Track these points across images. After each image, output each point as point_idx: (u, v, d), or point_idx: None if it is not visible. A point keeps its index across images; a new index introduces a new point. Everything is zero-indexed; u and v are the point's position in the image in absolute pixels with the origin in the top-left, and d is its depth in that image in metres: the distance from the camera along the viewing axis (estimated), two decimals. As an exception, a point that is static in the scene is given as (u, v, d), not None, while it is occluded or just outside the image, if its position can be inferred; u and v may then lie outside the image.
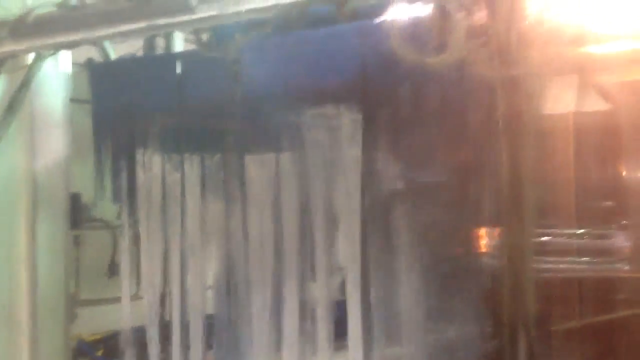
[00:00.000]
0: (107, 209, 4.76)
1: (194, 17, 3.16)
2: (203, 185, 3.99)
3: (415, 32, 3.17)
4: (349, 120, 3.53)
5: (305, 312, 3.66)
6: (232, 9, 3.13)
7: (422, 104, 3.41)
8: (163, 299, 4.13)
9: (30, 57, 3.98)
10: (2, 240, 4.03)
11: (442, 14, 3.08)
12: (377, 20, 3.29)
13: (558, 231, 3.39)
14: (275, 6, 3.16)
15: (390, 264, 3.42)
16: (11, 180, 4.07)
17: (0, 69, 3.77)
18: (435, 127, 3.37)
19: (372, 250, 3.48)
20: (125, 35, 3.29)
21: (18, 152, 4.09)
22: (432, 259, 3.35)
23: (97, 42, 3.61)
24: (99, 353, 5.19)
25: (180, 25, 3.28)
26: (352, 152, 3.55)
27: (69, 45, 3.52)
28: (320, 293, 3.64)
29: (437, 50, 3.07)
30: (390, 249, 3.42)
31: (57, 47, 3.50)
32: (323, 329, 3.60)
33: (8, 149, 4.06)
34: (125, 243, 4.23)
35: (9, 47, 3.45)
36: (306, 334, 3.64)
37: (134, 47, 4.22)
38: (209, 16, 3.18)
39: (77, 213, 4.82)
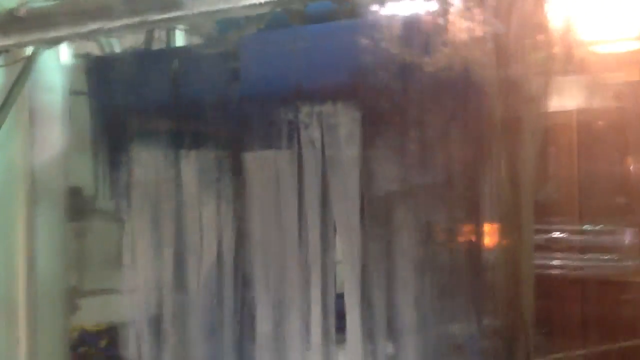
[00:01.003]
0: (108, 201, 4.77)
1: (183, 12, 3.12)
2: (199, 182, 3.97)
3: (415, 29, 3.12)
4: (347, 119, 3.48)
5: (304, 306, 3.64)
6: (222, 5, 3.08)
7: (421, 102, 3.35)
8: (159, 293, 4.13)
9: (29, 49, 3.97)
10: (1, 233, 4.04)
11: (443, 11, 3.02)
12: (377, 17, 3.24)
13: (562, 227, 3.33)
14: (270, 2, 3.10)
15: (388, 261, 3.38)
16: (9, 174, 4.07)
17: (-4, 63, 3.76)
18: (435, 125, 3.31)
19: (371, 247, 3.45)
20: (117, 30, 3.26)
21: (16, 145, 4.09)
22: (431, 257, 3.31)
23: (89, 37, 3.58)
24: (103, 343, 5.21)
25: (171, 21, 3.23)
26: (350, 151, 3.50)
27: (60, 40, 3.50)
28: (318, 289, 3.61)
29: (437, 48, 3.01)
30: (388, 246, 3.38)
31: (48, 42, 3.48)
32: (322, 323, 3.58)
33: (6, 142, 4.06)
34: (124, 236, 4.24)
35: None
36: (306, 329, 3.62)
37: (139, 39, 4.19)
38: (199, 12, 3.13)
39: (79, 206, 4.83)
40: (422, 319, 3.34)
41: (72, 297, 4.52)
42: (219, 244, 3.92)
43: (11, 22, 3.32)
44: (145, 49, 4.15)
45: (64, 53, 4.19)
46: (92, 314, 5.38)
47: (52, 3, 3.35)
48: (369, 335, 3.49)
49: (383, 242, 3.45)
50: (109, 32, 3.25)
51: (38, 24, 3.32)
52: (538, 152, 3.13)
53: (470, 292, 3.31)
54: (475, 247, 3.43)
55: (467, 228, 3.41)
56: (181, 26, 4.13)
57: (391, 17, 3.24)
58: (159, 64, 3.92)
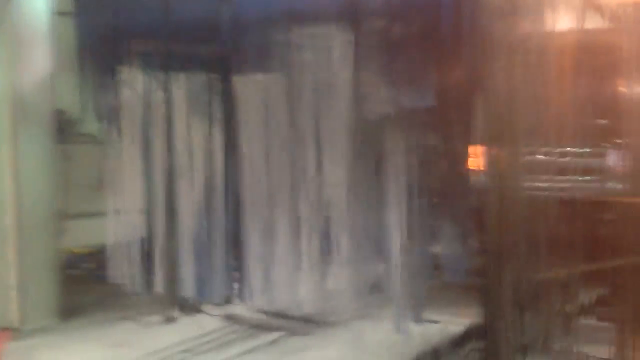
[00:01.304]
0: (91, 124, 4.71)
1: None
2: (189, 105, 3.95)
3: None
4: (340, 41, 3.46)
5: (295, 229, 3.70)
6: None
7: (415, 24, 3.33)
8: (147, 215, 4.15)
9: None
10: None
11: None
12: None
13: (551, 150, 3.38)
14: None
15: (378, 185, 3.42)
16: (-5, 95, 4.00)
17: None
18: (428, 48, 3.30)
19: (361, 171, 3.49)
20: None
21: (1, 66, 4.00)
22: (422, 180, 3.36)
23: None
24: (91, 266, 5.25)
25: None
26: (342, 74, 3.49)
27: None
28: (309, 211, 3.67)
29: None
30: (379, 170, 3.42)
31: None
32: (312, 245, 3.65)
33: (-9, 63, 3.97)
34: (110, 159, 4.22)
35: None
36: (296, 250, 3.70)
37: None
38: None
39: (64, 128, 4.77)
40: (411, 239, 3.40)
41: (59, 220, 4.52)
42: (208, 171, 3.93)
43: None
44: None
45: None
46: (79, 237, 5.41)
47: None
48: (357, 256, 3.57)
49: (373, 165, 3.49)
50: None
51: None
52: (530, 73, 3.14)
53: (459, 213, 3.39)
54: (465, 169, 3.50)
55: (458, 150, 3.45)
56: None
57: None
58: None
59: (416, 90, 3.35)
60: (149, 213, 4.14)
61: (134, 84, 3.91)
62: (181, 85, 3.90)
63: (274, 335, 3.78)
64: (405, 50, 3.35)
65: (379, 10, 3.39)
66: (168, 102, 3.92)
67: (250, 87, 3.80)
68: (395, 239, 3.44)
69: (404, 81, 3.35)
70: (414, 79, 3.33)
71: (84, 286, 4.82)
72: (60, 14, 4.13)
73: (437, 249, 3.49)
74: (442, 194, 3.48)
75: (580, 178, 3.71)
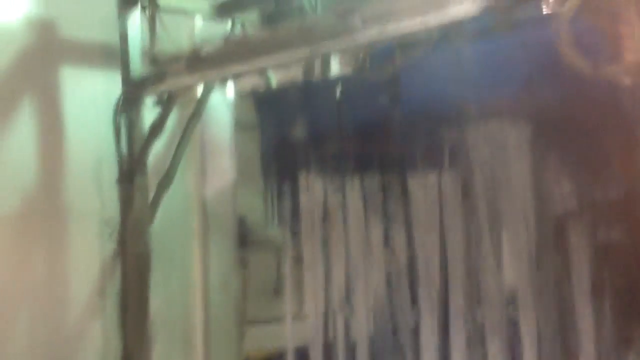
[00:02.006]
0: (271, 230, 4.91)
1: (357, 39, 3.19)
2: (365, 206, 4.00)
3: (585, 40, 3.00)
4: (516, 135, 3.40)
5: (474, 334, 3.56)
6: (394, 28, 3.13)
7: (594, 115, 3.23)
8: (327, 319, 4.17)
9: (198, 88, 4.21)
10: (178, 261, 4.25)
11: (615, 20, 2.90)
12: (543, 30, 3.16)
13: None
14: (438, 22, 3.11)
15: (565, 287, 3.24)
16: (185, 204, 4.30)
17: (176, 101, 4.01)
18: (610, 139, 3.17)
19: (545, 271, 3.32)
20: (288, 62, 3.38)
21: (190, 178, 4.32)
22: (612, 283, 3.14)
23: (261, 71, 3.74)
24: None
25: (342, 48, 3.31)
26: (520, 168, 3.41)
27: (237, 76, 3.68)
28: (489, 315, 3.52)
29: (610, 58, 2.88)
30: (565, 270, 3.25)
31: (226, 78, 3.67)
32: (492, 352, 3.48)
33: (181, 175, 4.29)
34: (288, 264, 4.33)
35: (184, 80, 3.66)
36: (475, 357, 3.54)
37: (291, 73, 4.34)
38: (371, 37, 3.19)
39: (244, 235, 5.00)
40: (601, 349, 3.16)
41: (241, 325, 4.65)
42: (386, 272, 3.92)
43: (195, 61, 3.54)
44: (306, 80, 4.28)
45: (230, 90, 4.41)
46: (255, 342, 5.53)
47: (227, 42, 3.53)
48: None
49: (558, 266, 3.32)
50: (282, 65, 3.38)
51: (218, 62, 3.51)
52: None
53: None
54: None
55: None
56: (336, 56, 4.23)
57: (560, 29, 3.16)
58: (323, 93, 4.02)
59: (601, 183, 3.20)
60: (326, 316, 4.16)
61: (312, 189, 4.04)
62: (356, 187, 3.97)
63: None
64: (586, 142, 3.24)
65: (555, 103, 3.32)
66: (344, 205, 4.00)
67: (424, 185, 3.80)
68: (585, 346, 3.20)
69: (586, 174, 3.22)
70: (597, 171, 3.19)
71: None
72: (242, 126, 4.43)
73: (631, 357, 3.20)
74: (633, 296, 3.22)
75: None
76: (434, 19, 3.00)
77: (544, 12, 3.22)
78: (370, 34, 3.13)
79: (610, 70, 2.88)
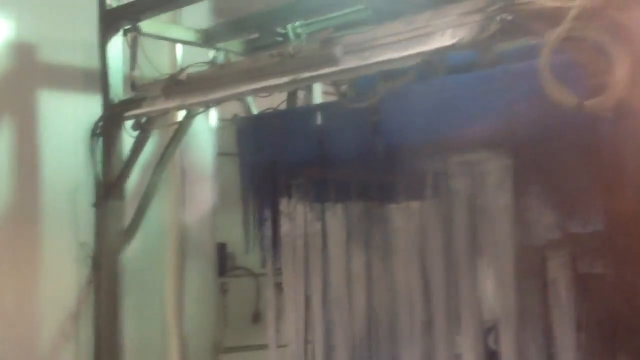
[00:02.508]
0: (250, 257, 4.88)
1: (337, 69, 3.18)
2: (346, 235, 3.98)
3: (567, 73, 3.00)
4: (497, 166, 3.40)
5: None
6: (374, 59, 3.12)
7: (575, 147, 3.23)
8: (307, 347, 4.13)
9: (180, 113, 4.18)
10: (154, 287, 4.19)
11: (598, 53, 2.91)
12: (525, 61, 3.17)
13: None
14: (418, 54, 3.11)
15: (546, 318, 3.22)
16: (162, 230, 4.25)
17: (154, 126, 3.97)
18: (592, 172, 3.17)
19: (527, 302, 3.31)
20: (270, 90, 3.37)
21: (168, 204, 4.28)
22: (595, 315, 3.13)
23: (242, 98, 3.72)
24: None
25: (323, 78, 3.31)
26: (501, 200, 3.41)
27: (218, 102, 3.65)
28: (469, 345, 3.50)
29: (592, 91, 2.88)
30: (546, 301, 3.23)
31: (207, 104, 3.65)
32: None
33: (159, 200, 4.25)
34: (269, 291, 4.29)
35: (162, 105, 3.63)
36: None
37: (275, 100, 4.34)
38: (351, 67, 3.19)
39: (223, 262, 4.97)
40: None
41: (217, 352, 4.59)
42: (367, 301, 3.88)
43: (173, 86, 3.51)
44: (288, 107, 4.27)
45: (212, 116, 4.39)
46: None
47: (209, 67, 3.51)
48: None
49: (540, 295, 3.30)
50: (263, 92, 3.36)
51: (198, 88, 3.49)
52: None
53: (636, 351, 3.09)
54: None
55: (629, 279, 3.21)
56: (318, 85, 4.23)
57: (542, 62, 3.16)
58: (305, 120, 4.01)
59: (581, 214, 3.19)
60: (306, 345, 4.12)
61: (293, 216, 4.02)
62: (337, 215, 3.96)
63: None
64: (567, 172, 3.24)
65: (536, 135, 3.32)
66: (324, 232, 3.98)
67: (405, 214, 3.79)
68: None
69: (567, 205, 3.22)
70: (578, 202, 3.19)
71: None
72: (223, 154, 4.41)
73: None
74: (614, 328, 3.20)
75: None
76: (415, 50, 3.00)
77: (526, 45, 3.23)
78: (351, 64, 3.12)
79: (592, 103, 2.87)
